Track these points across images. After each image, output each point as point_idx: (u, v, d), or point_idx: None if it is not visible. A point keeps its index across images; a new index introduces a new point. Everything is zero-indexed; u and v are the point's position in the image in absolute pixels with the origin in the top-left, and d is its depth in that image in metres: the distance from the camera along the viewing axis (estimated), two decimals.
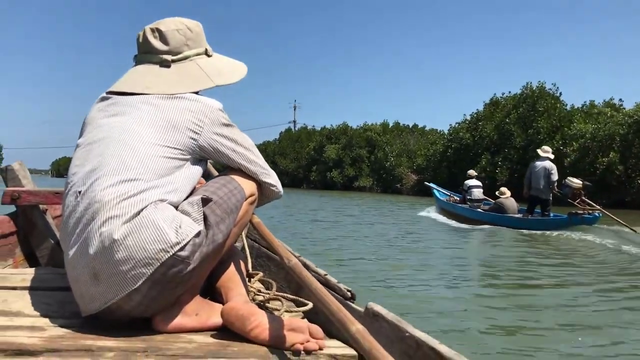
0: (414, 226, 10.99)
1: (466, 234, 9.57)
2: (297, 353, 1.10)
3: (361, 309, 1.25)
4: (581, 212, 9.87)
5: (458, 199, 13.33)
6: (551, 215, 10.17)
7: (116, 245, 1.10)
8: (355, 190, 38.59)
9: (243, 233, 1.86)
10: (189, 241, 1.16)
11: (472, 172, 13.05)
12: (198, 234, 1.19)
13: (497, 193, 11.35)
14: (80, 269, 1.15)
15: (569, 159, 21.93)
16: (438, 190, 14.93)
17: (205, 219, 1.23)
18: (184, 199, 1.27)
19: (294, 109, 68.05)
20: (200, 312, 1.27)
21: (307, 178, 46.41)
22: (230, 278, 1.43)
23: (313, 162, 45.82)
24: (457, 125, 30.32)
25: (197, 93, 1.44)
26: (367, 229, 10.35)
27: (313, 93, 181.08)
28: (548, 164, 10.10)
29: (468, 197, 12.27)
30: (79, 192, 1.20)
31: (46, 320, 1.21)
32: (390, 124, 43.18)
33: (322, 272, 1.50)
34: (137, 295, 1.13)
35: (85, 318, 1.20)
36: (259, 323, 1.17)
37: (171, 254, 1.13)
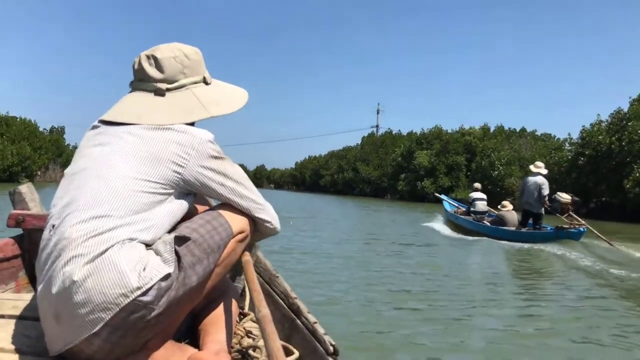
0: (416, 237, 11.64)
1: (457, 248, 10.26)
2: None
3: None
4: (567, 226, 10.82)
5: (464, 210, 14.36)
6: (548, 228, 11.03)
7: (75, 287, 1.12)
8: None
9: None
10: (153, 285, 1.14)
11: (477, 185, 14.52)
12: (165, 277, 1.16)
13: (499, 206, 12.51)
14: (45, 308, 1.19)
15: None
16: (447, 202, 16.05)
17: (179, 259, 1.20)
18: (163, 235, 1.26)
19: (377, 113, 63.12)
20: (171, 358, 1.24)
21: (393, 187, 41.98)
22: (213, 321, 1.40)
23: (400, 169, 42.58)
24: (591, 128, 24.13)
25: (192, 124, 1.42)
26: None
27: (395, 96, 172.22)
28: (540, 179, 11.14)
29: (472, 209, 13.48)
30: (53, 225, 1.23)
31: (15, 357, 1.25)
32: (492, 128, 37.34)
33: (312, 319, 1.48)
34: (97, 339, 1.14)
35: (53, 357, 1.22)
36: None
37: (131, 299, 1.11)
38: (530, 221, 11.36)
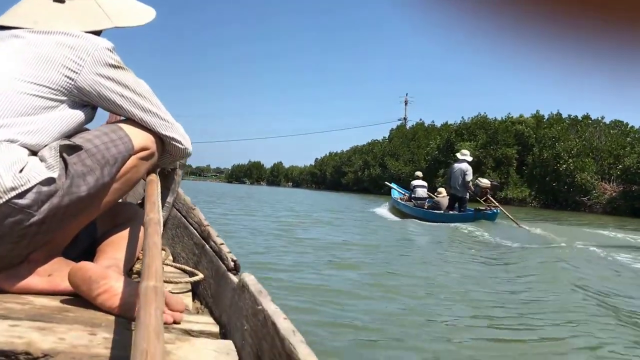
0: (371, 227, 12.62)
1: (387, 228, 11.43)
2: None
3: (236, 280, 1.22)
4: (483, 208, 12.84)
5: (408, 196, 16.43)
6: (471, 211, 12.99)
7: None
8: (501, 203, 27.22)
9: (171, 201, 1.87)
10: (31, 188, 1.11)
11: (418, 173, 16.19)
12: (48, 182, 1.13)
13: (435, 193, 14.41)
14: None
15: None
16: (396, 190, 17.65)
17: (67, 167, 1.18)
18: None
19: (405, 104, 57.39)
20: (55, 273, 1.21)
21: (429, 184, 35.63)
22: (114, 242, 1.36)
23: (437, 164, 37.87)
24: None
25: (98, 34, 1.40)
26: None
27: (423, 86, 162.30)
28: (464, 165, 12.76)
29: (413, 195, 15.32)
30: None
31: None
32: (546, 116, 31.81)
33: (219, 242, 1.50)
34: None
35: None
36: (109, 288, 1.10)
37: (4, 200, 1.08)
38: (457, 204, 13.29)
